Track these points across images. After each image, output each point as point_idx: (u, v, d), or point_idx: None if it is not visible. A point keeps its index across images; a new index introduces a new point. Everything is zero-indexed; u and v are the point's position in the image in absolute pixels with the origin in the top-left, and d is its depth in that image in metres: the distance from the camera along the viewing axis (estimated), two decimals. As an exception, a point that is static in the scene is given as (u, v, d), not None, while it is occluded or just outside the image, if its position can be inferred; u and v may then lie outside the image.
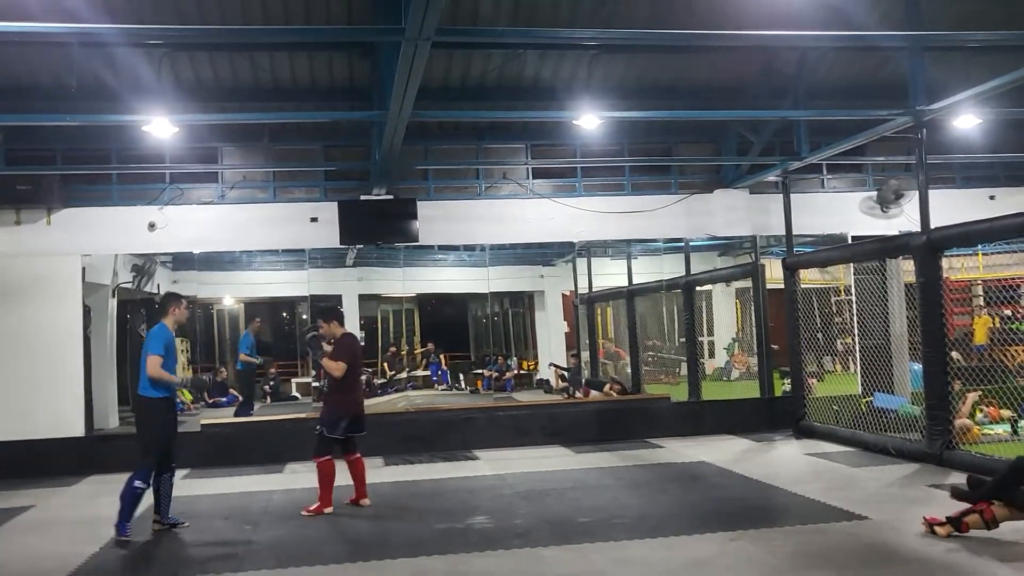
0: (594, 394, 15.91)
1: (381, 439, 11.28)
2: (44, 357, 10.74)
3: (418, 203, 11.59)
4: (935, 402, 8.89)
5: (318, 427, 8.02)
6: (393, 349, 26.70)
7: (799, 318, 11.63)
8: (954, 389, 9.20)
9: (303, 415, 11.73)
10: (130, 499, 7.02)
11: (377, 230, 11.64)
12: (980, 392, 10.85)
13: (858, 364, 12.76)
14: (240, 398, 15.78)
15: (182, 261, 19.96)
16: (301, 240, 12.06)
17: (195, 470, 10.45)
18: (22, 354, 10.74)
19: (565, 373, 19.49)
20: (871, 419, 10.89)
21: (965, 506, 6.23)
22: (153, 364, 7.10)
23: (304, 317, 21.01)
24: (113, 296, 14.73)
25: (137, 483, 7.05)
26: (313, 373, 10.96)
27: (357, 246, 13.73)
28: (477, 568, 5.97)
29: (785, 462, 9.88)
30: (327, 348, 8.13)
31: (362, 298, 23.06)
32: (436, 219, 11.72)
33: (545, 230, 12.43)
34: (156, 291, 18.51)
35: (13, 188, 10.74)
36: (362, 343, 23.37)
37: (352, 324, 22.69)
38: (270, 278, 21.03)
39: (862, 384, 12.46)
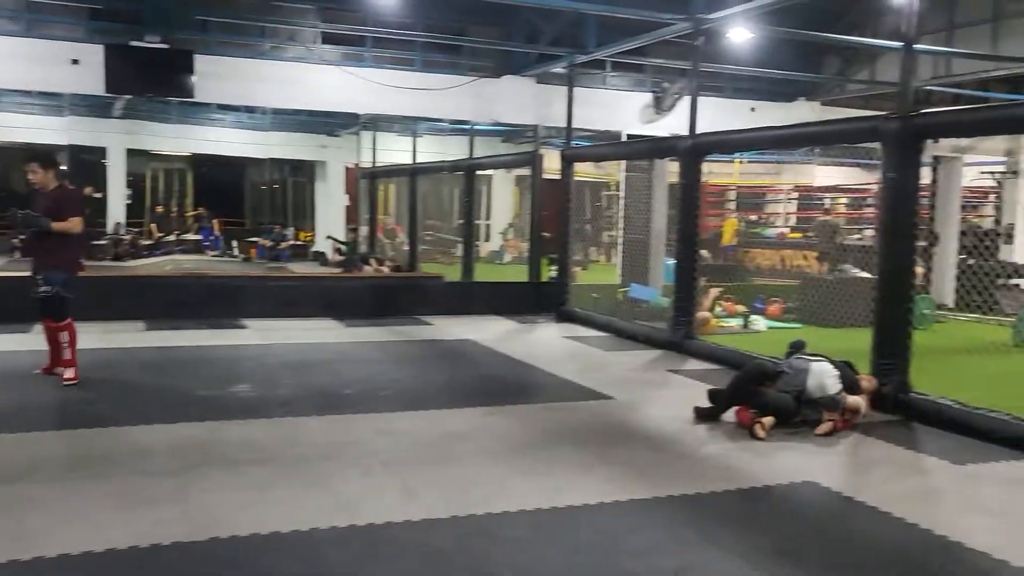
0: (367, 269, 15.98)
1: (145, 303, 10.84)
2: None
3: (196, 56, 10.82)
4: (682, 295, 9.68)
5: (47, 288, 7.16)
6: (161, 209, 25.29)
7: (571, 208, 12.14)
8: (699, 284, 10.06)
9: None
10: None
11: (148, 81, 10.77)
12: (721, 288, 11.94)
13: (620, 256, 13.58)
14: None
15: None
16: (59, 83, 11.03)
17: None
18: None
19: (342, 247, 19.36)
20: (626, 308, 11.72)
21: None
22: None
23: (63, 168, 19.30)
24: None
25: None
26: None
27: (125, 96, 12.73)
28: (236, 435, 5.97)
29: (545, 344, 10.47)
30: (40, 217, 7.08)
31: (130, 153, 21.52)
32: (215, 75, 11.01)
33: (330, 98, 12.07)
34: None
35: None
36: (128, 201, 21.99)
37: (118, 181, 21.21)
38: (24, 122, 19.04)
39: (621, 275, 13.32)
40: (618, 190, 15.61)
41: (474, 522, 4.55)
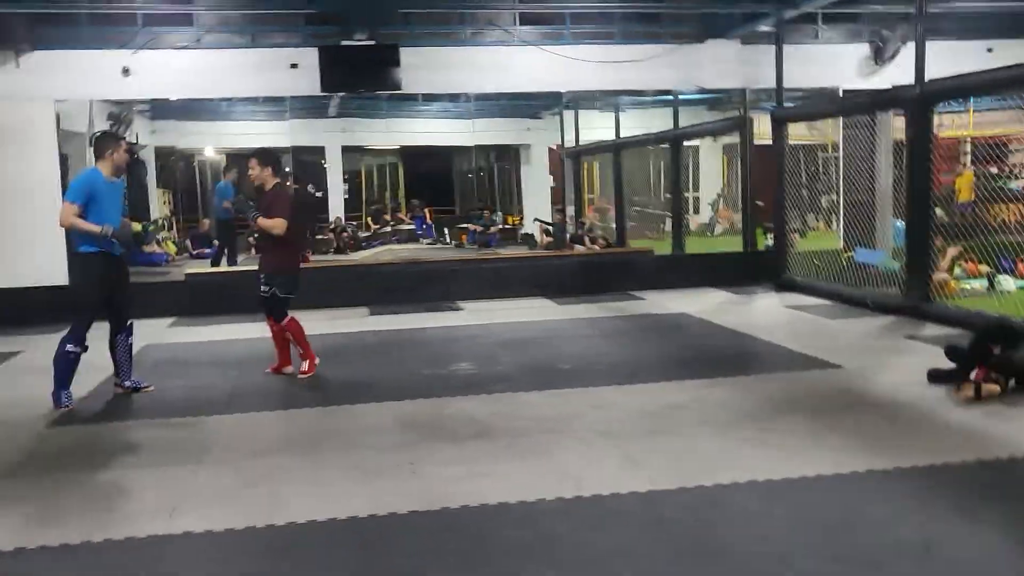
0: (578, 248, 16.01)
1: (367, 290, 11.41)
2: (20, 206, 10.55)
3: (401, 49, 11.21)
4: (916, 256, 8.96)
5: (268, 288, 7.22)
6: (375, 202, 26.56)
7: (785, 173, 11.56)
8: (935, 245, 9.28)
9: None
10: (63, 364, 6.37)
11: (359, 77, 11.29)
12: (960, 247, 10.96)
13: (841, 220, 12.80)
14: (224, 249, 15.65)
15: (160, 110, 19.53)
16: (280, 88, 11.77)
17: (181, 319, 10.56)
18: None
19: (550, 228, 19.52)
20: (851, 274, 11.03)
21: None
22: (65, 213, 6.20)
23: (287, 169, 20.74)
24: (90, 145, 14.38)
25: (68, 347, 6.35)
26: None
27: (339, 95, 13.43)
28: (459, 410, 6.12)
29: (764, 314, 10.05)
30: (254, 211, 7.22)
31: (345, 150, 22.77)
32: (419, 67, 11.36)
33: (531, 79, 12.14)
34: (135, 140, 18.16)
35: (-23, 29, 10.33)
36: (346, 196, 23.24)
37: (336, 177, 22.52)
38: (251, 128, 20.60)
39: (844, 240, 12.55)
40: (835, 152, 14.72)
41: (702, 492, 4.40)
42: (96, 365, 6.98)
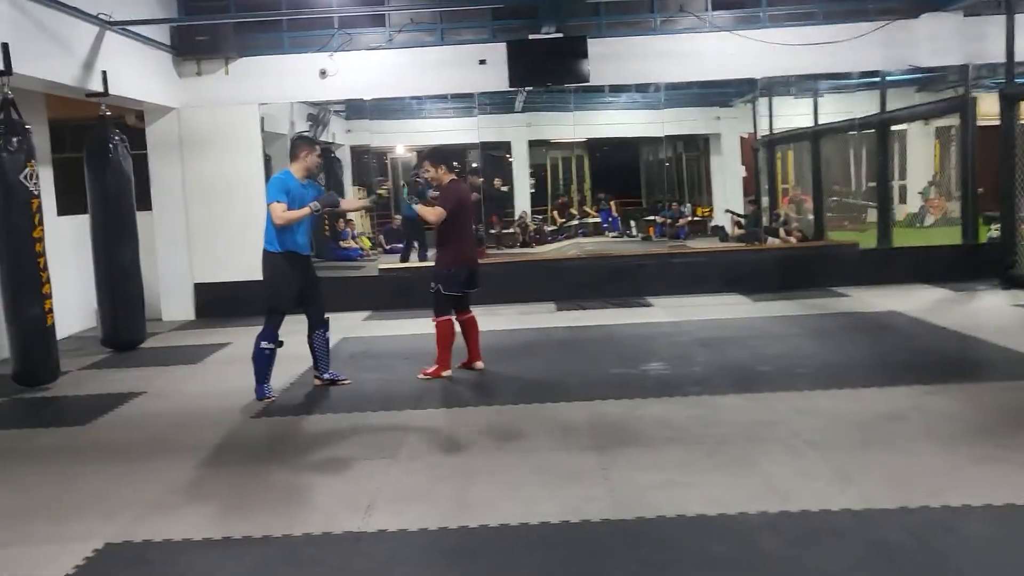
0: (773, 241, 15.25)
1: (552, 285, 11.32)
2: (230, 204, 11.16)
3: (588, 41, 10.99)
4: None
5: (433, 284, 7.22)
6: (564, 199, 26.52)
7: (1016, 156, 10.43)
8: None
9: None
10: (261, 361, 6.66)
11: (546, 71, 11.15)
12: None
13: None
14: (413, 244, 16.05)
15: (354, 110, 20.29)
16: (469, 84, 11.82)
17: (375, 312, 10.86)
18: (211, 202, 11.22)
19: (742, 220, 18.78)
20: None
21: None
22: (276, 212, 6.38)
23: (474, 165, 21.06)
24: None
25: (263, 344, 6.62)
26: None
27: (526, 89, 13.36)
28: (653, 413, 5.86)
29: (990, 314, 9.11)
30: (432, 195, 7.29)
31: (531, 144, 22.84)
32: (607, 57, 11.09)
33: (724, 67, 11.57)
34: (332, 140, 19.00)
35: (193, 39, 10.99)
36: (532, 190, 23.35)
37: (522, 171, 22.65)
38: (440, 125, 21.01)
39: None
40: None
41: (927, 515, 3.95)
42: (297, 356, 7.22)
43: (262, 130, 11.76)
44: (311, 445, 5.59)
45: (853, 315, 9.32)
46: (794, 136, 18.12)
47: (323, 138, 18.08)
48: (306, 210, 6.51)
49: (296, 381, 7.27)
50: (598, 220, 23.19)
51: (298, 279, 6.67)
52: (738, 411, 5.80)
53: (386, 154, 25.26)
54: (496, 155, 23.11)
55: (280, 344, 6.72)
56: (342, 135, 20.79)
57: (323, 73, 11.24)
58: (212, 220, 11.28)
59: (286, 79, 11.38)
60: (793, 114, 18.03)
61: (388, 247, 19.80)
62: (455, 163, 8.03)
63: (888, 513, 3.98)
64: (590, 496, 4.37)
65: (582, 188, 27.06)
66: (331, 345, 7.21)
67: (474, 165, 20.63)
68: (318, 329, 6.94)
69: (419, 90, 12.54)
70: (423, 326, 9.69)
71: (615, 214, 23.26)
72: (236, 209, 11.12)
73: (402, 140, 23.50)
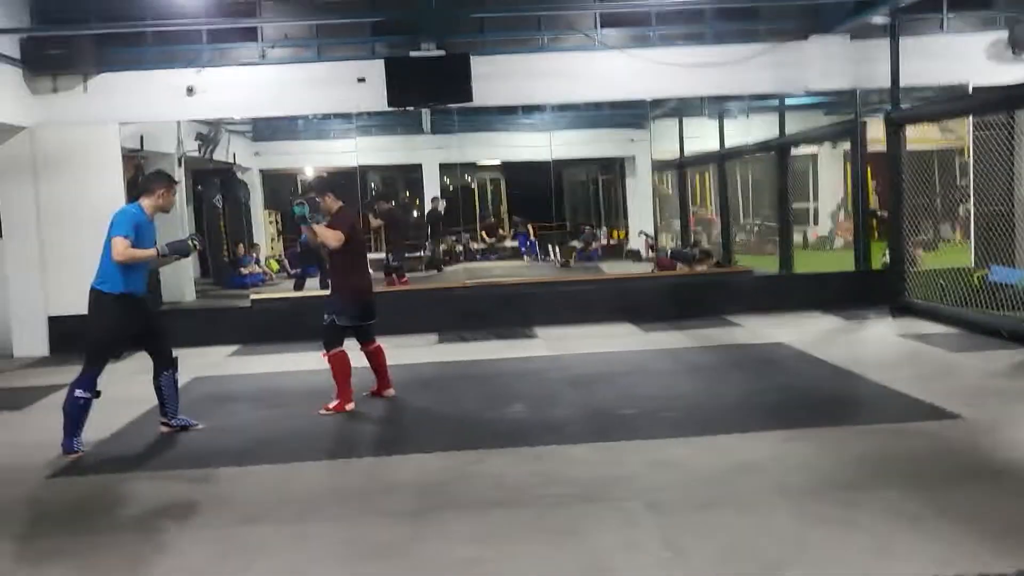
0: (681, 268, 14.90)
1: (438, 315, 10.75)
2: (88, 231, 10.28)
3: (472, 59, 10.46)
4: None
5: (326, 316, 6.89)
6: (491, 220, 26.02)
7: (903, 182, 10.21)
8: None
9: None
10: (74, 411, 5.97)
11: (427, 90, 10.56)
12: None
13: (972, 234, 11.28)
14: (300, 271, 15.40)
15: (262, 131, 19.56)
16: (348, 103, 11.22)
17: (245, 347, 10.14)
18: (68, 228, 10.35)
19: (654, 244, 18.51)
20: (983, 296, 9.61)
21: None
22: (119, 247, 5.86)
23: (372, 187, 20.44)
24: (180, 166, 14.30)
25: (78, 392, 5.95)
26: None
27: (408, 109, 12.84)
28: (492, 469, 5.30)
29: (874, 345, 8.82)
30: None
31: (443, 167, 22.32)
32: (492, 76, 10.55)
33: (615, 86, 11.12)
34: (232, 160, 18.18)
35: (47, 52, 10.18)
36: (442, 213, 22.79)
37: (433, 194, 22.09)
38: (350, 146, 20.25)
39: (975, 256, 11.04)
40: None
41: (755, 601, 3.45)
42: (131, 398, 6.54)
43: (141, 148, 10.92)
44: (96, 511, 4.92)
45: (739, 348, 8.92)
46: (701, 159, 17.93)
47: (219, 157, 17.27)
48: (152, 251, 6.12)
49: (121, 431, 6.57)
50: (515, 244, 22.76)
51: (133, 324, 6.11)
52: (584, 466, 5.27)
53: (296, 176, 24.49)
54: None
55: (98, 394, 6.05)
56: (249, 157, 19.99)
57: (190, 90, 10.53)
58: (69, 247, 10.37)
59: (151, 96, 10.63)
60: (707, 136, 17.83)
61: (293, 271, 19.02)
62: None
63: (715, 597, 3.48)
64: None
65: (498, 212, 26.61)
66: (180, 386, 6.58)
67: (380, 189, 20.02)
68: (165, 370, 6.36)
69: (296, 109, 11.90)
70: (295, 361, 9.06)
71: (532, 238, 22.84)
72: (95, 236, 10.11)
73: (311, 161, 22.73)
